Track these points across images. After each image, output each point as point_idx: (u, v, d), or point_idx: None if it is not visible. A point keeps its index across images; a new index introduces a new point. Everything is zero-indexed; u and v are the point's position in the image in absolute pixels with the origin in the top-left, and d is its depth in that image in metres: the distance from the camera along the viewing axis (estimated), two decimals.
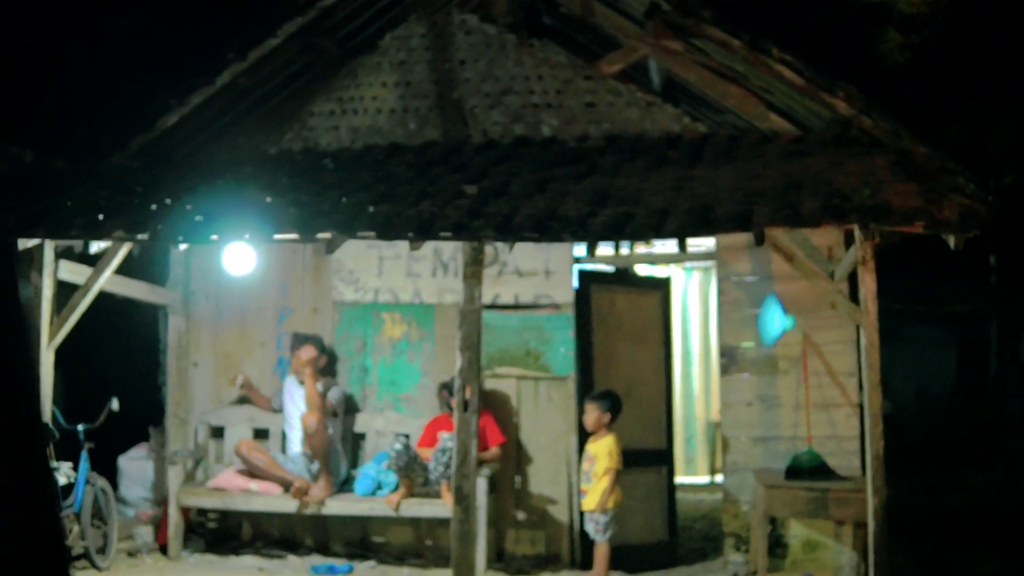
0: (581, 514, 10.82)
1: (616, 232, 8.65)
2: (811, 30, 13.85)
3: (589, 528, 10.33)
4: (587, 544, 10.93)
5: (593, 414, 10.37)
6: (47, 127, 13.16)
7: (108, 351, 12.16)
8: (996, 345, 21.80)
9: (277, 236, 9.31)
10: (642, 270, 14.06)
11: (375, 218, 9.17)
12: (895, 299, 12.40)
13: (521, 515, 11.26)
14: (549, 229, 8.72)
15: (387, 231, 8.99)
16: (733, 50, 10.68)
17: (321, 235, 9.12)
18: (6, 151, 11.61)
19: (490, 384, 11.27)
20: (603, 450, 10.24)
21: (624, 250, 12.13)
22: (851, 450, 10.56)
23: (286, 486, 10.97)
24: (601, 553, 10.23)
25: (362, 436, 11.73)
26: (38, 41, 15.44)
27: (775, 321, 10.71)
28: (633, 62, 11.72)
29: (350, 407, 11.67)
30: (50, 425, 9.82)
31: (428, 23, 11.98)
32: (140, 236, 9.47)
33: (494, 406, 11.23)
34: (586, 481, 10.35)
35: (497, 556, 11.10)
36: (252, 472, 11.12)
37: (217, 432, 11.90)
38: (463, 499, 9.15)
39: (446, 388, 10.96)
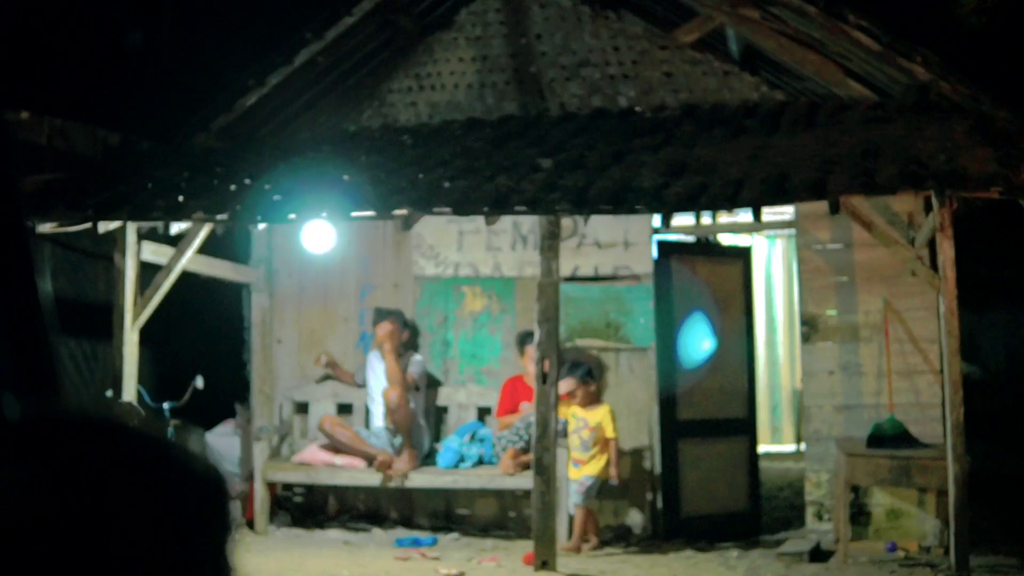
0: (663, 484, 10.91)
1: (691, 203, 8.66)
2: None
3: (575, 494, 10.41)
4: (670, 514, 10.99)
5: (579, 389, 10.51)
6: (135, 110, 13.30)
7: (193, 330, 12.31)
8: None
9: (354, 214, 9.40)
10: (726, 239, 13.99)
11: (451, 194, 9.23)
12: (984, 263, 12.20)
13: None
14: (623, 201, 8.73)
15: (462, 207, 9.05)
16: (809, 16, 10.60)
17: (397, 212, 9.19)
18: (93, 134, 11.78)
19: (571, 356, 11.29)
20: (604, 418, 10.44)
21: (706, 220, 12.08)
22: (934, 417, 10.41)
23: (370, 460, 11.07)
24: (581, 518, 10.33)
25: (444, 409, 11.80)
26: (124, 23, 15.60)
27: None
28: (710, 31, 11.63)
29: (432, 381, 11.75)
30: (136, 404, 9.99)
31: None
32: (219, 217, 9.60)
33: None
34: (583, 449, 10.45)
35: None
36: (336, 447, 11.24)
37: (302, 408, 12.04)
38: (543, 471, 9.19)
39: (526, 338, 10.98)
